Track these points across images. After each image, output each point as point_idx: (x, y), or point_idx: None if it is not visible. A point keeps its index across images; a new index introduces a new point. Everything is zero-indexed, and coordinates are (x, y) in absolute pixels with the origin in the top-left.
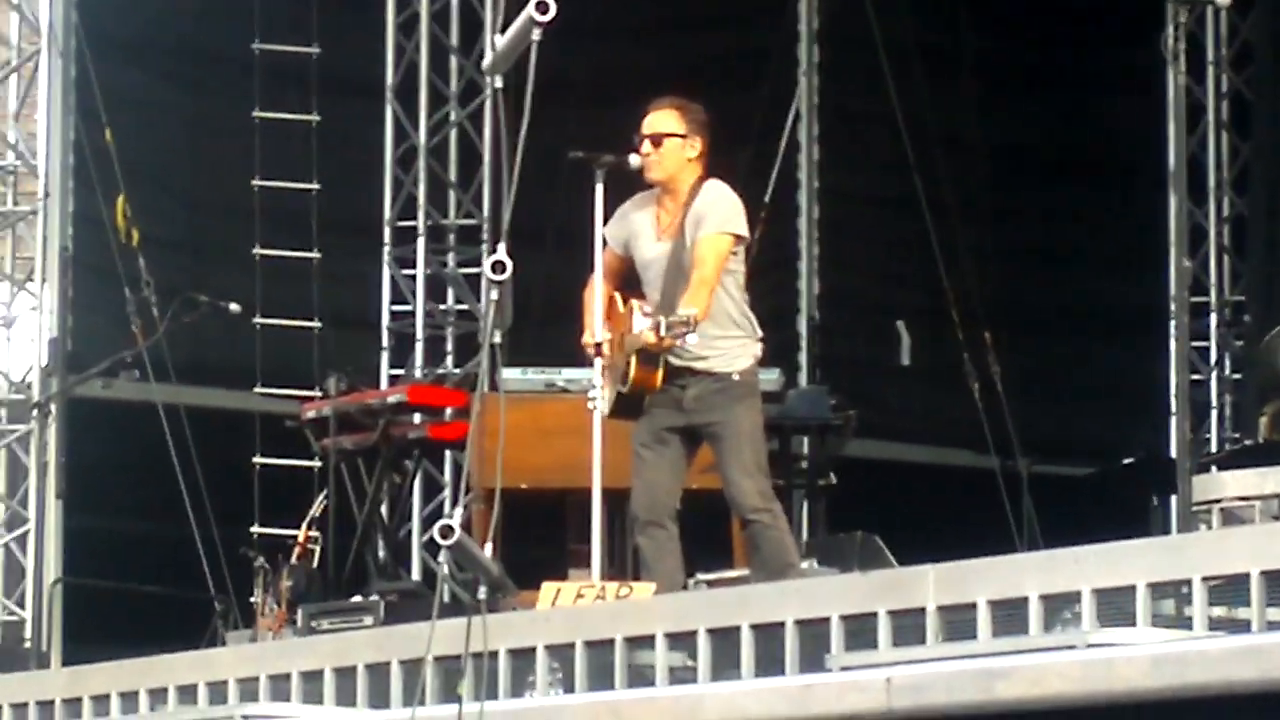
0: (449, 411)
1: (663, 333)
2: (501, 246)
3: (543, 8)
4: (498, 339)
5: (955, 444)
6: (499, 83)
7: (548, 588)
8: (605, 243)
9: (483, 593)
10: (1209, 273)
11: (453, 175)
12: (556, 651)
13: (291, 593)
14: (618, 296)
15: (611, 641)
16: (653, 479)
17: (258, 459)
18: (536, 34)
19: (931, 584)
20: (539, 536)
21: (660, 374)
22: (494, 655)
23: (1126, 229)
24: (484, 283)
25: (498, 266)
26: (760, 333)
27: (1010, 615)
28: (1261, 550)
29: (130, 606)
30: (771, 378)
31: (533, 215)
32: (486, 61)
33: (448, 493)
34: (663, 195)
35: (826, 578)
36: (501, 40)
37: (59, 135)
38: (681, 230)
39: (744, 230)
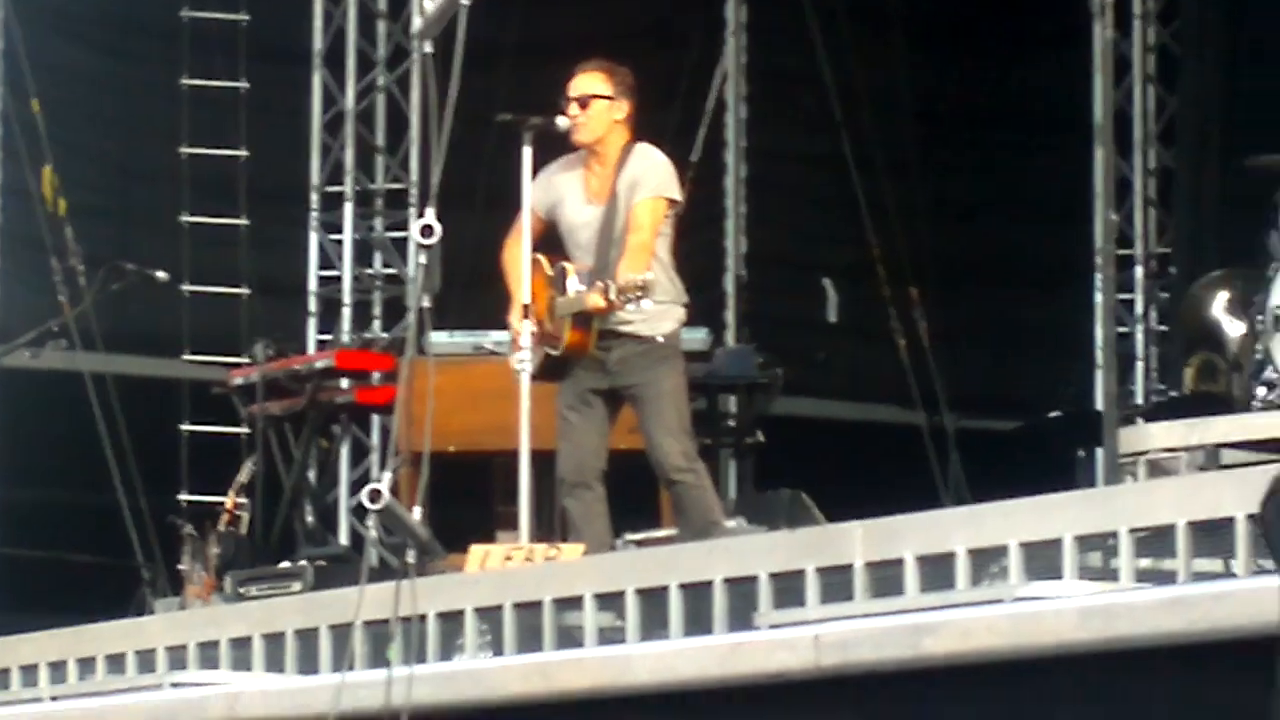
0: (376, 376)
1: (612, 296)
2: (430, 210)
3: None
4: (426, 303)
5: (882, 400)
6: (428, 48)
7: (476, 550)
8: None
9: (411, 556)
10: (1134, 225)
11: (380, 140)
12: (485, 614)
13: (219, 560)
14: (543, 259)
15: (540, 603)
16: (578, 441)
17: (185, 426)
18: None
19: (859, 540)
20: (466, 499)
21: (593, 338)
22: (423, 619)
23: (1053, 183)
24: (412, 246)
25: (426, 230)
26: (686, 297)
27: (938, 570)
28: (1187, 501)
29: (58, 575)
30: (699, 337)
31: (460, 178)
32: (415, 25)
33: (375, 457)
34: (589, 158)
35: (754, 536)
36: (430, 5)
37: None
38: (613, 194)
39: (678, 194)
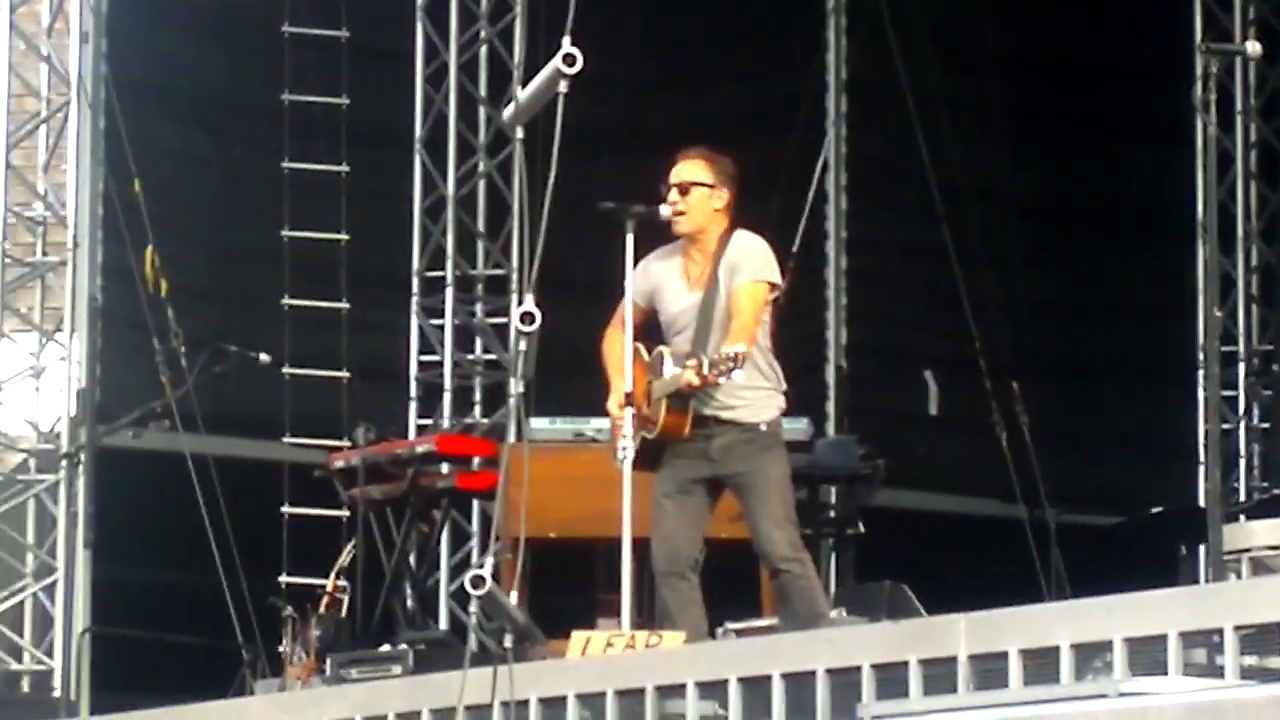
0: (477, 461)
1: (705, 370)
2: (529, 297)
3: (570, 60)
4: (521, 388)
5: (983, 493)
6: (520, 134)
7: (578, 636)
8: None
9: (509, 640)
10: (1237, 322)
11: (481, 225)
12: (587, 700)
13: (320, 642)
14: (641, 347)
15: (642, 690)
16: (672, 530)
17: (286, 508)
18: (563, 86)
19: (962, 633)
20: (567, 586)
21: (689, 421)
22: (524, 704)
23: (1154, 279)
24: (513, 332)
25: (526, 317)
26: (785, 385)
27: (1041, 664)
28: None
29: (158, 656)
30: (800, 427)
31: (560, 266)
32: (507, 113)
33: (475, 542)
34: (689, 246)
35: (857, 626)
36: (524, 91)
37: (88, 186)
38: (713, 279)
39: (779, 279)
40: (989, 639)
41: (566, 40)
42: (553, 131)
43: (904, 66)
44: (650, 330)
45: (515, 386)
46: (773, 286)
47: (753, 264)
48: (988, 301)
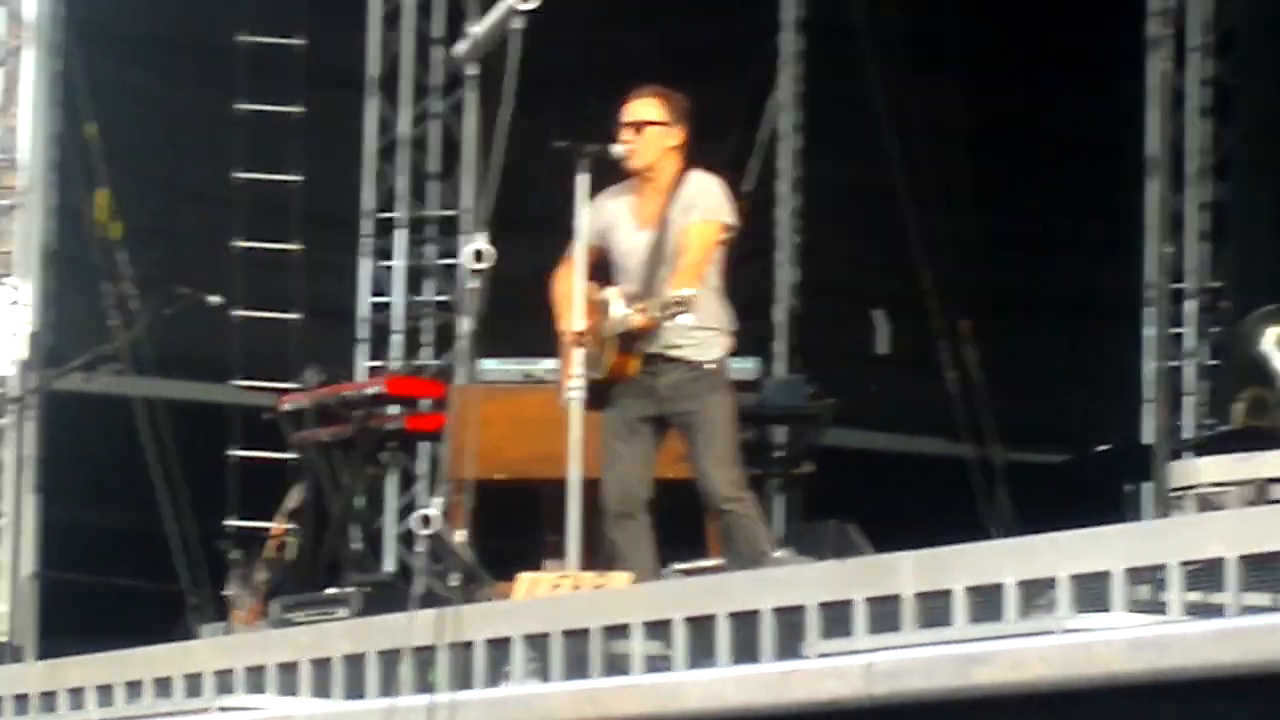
0: (426, 403)
1: (657, 312)
2: (481, 235)
3: None
4: (472, 325)
5: (931, 432)
6: (473, 70)
7: (523, 578)
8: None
9: (456, 581)
10: (1186, 260)
11: (434, 167)
12: (533, 641)
13: (266, 585)
14: (592, 286)
15: (588, 630)
16: (624, 470)
17: (234, 451)
18: (519, 22)
19: (909, 571)
20: (514, 528)
21: (638, 361)
22: (469, 645)
23: (1105, 215)
24: (463, 272)
25: (479, 255)
26: (735, 325)
27: (987, 601)
28: (1238, 535)
29: (105, 599)
30: (749, 366)
31: (513, 206)
32: (460, 48)
33: (423, 484)
34: (641, 184)
35: (803, 565)
36: (478, 27)
37: (42, 129)
38: (664, 219)
39: (733, 219)
40: (935, 577)
41: None
42: (507, 71)
43: (857, 2)
44: (603, 269)
45: (464, 325)
46: (726, 228)
47: (706, 203)
48: (937, 240)
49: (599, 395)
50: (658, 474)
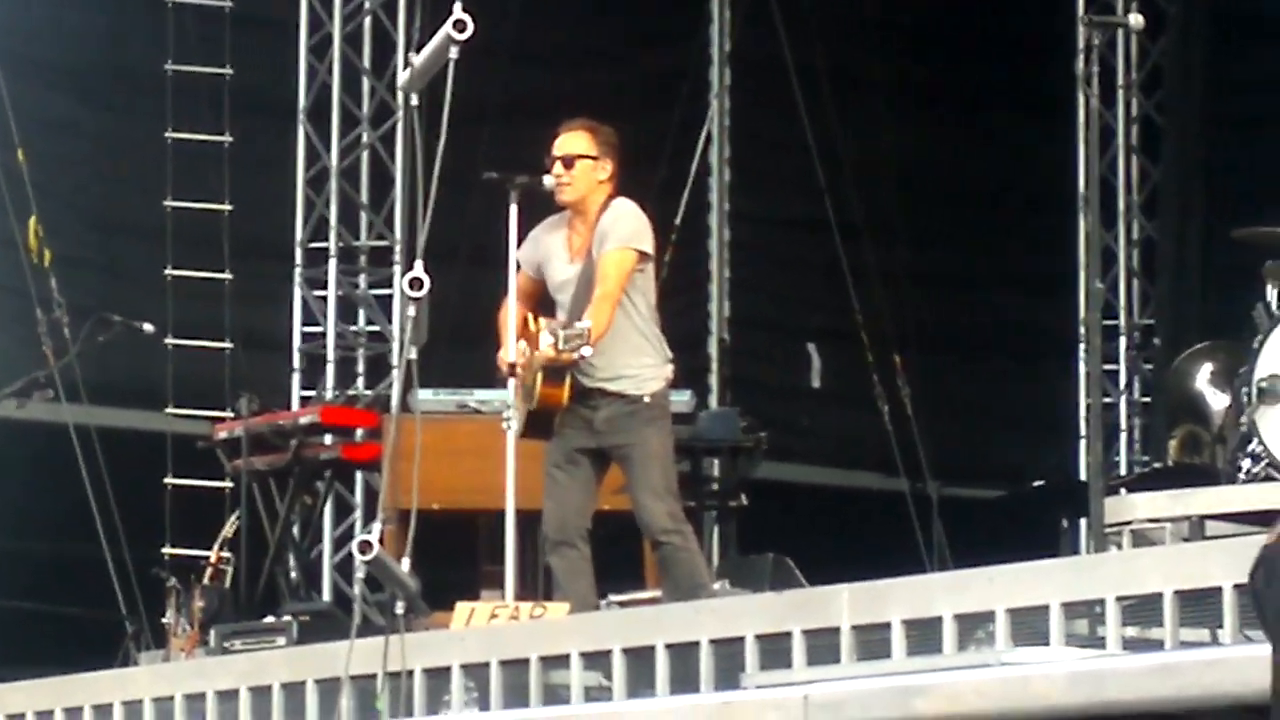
0: (360, 432)
1: (561, 346)
2: (418, 263)
3: (460, 26)
4: (414, 355)
5: (865, 466)
6: (415, 100)
7: (461, 608)
8: (519, 265)
9: (400, 608)
10: (1118, 296)
11: (365, 197)
12: (472, 671)
13: (203, 613)
14: (530, 317)
15: (526, 661)
16: (564, 499)
17: (169, 479)
18: (454, 52)
19: (846, 603)
20: (451, 558)
21: (566, 390)
22: (409, 675)
23: (1036, 252)
24: (398, 301)
25: (415, 283)
26: (670, 355)
27: (924, 635)
28: (1173, 570)
29: (42, 627)
30: (683, 399)
31: (444, 236)
32: (402, 79)
33: (359, 514)
34: (573, 217)
35: (741, 597)
36: (418, 58)
37: None
38: (590, 251)
39: (648, 247)
40: (872, 609)
41: (458, 5)
42: (438, 100)
43: (787, 39)
44: (547, 300)
45: (405, 353)
46: (642, 255)
47: (620, 232)
48: (870, 275)
49: (537, 424)
50: (597, 506)
